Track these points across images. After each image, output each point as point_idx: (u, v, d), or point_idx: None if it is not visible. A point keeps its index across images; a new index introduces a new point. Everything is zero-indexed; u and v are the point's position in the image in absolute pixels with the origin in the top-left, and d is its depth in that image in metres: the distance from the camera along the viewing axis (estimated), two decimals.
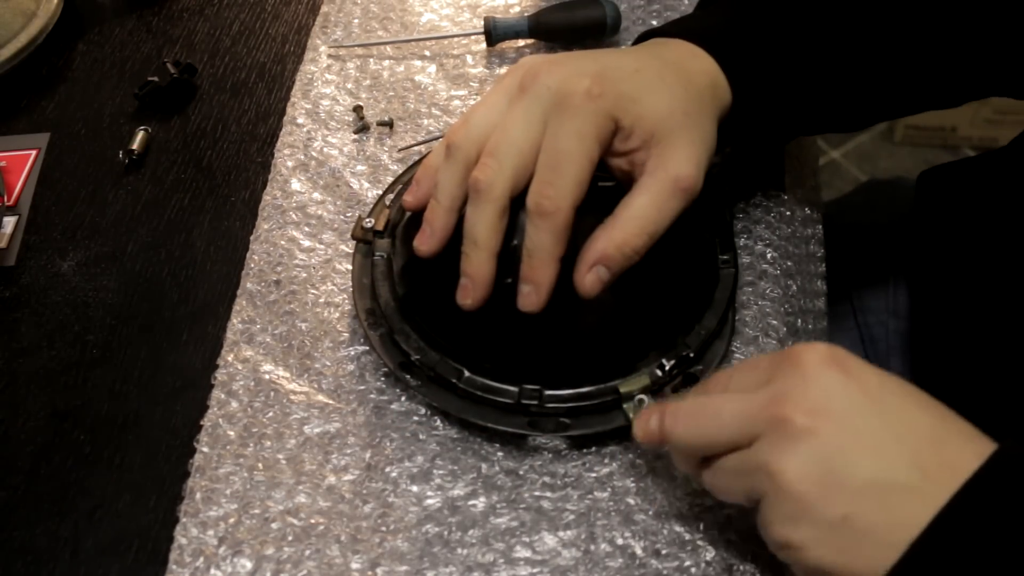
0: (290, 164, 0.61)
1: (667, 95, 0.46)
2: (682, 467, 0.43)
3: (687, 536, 0.45)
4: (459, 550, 0.45)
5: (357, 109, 0.62)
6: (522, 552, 0.45)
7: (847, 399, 0.38)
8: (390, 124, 0.62)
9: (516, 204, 0.45)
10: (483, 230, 0.44)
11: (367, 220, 0.53)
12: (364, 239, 0.53)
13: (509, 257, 0.45)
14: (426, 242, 0.47)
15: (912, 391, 0.39)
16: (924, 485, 0.36)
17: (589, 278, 0.45)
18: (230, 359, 0.52)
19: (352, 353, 0.52)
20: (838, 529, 0.36)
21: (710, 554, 0.45)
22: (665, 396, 0.48)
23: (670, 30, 0.51)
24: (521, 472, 0.48)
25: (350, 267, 0.54)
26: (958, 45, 0.52)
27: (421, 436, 0.49)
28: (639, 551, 0.45)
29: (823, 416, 0.37)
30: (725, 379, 0.42)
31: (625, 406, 0.47)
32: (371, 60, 0.67)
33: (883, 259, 0.75)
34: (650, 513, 0.46)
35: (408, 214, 0.52)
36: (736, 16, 0.51)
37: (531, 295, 0.44)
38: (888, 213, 0.78)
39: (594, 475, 0.47)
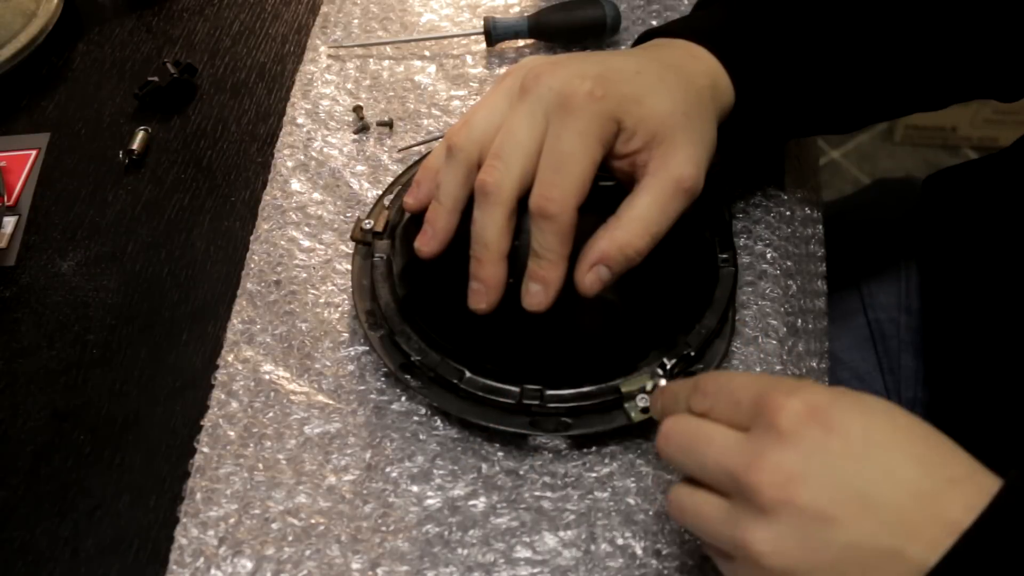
0: (290, 164, 0.61)
1: (668, 97, 0.46)
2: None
3: (687, 536, 0.45)
4: (459, 550, 0.45)
5: (357, 109, 0.62)
6: (522, 552, 0.45)
7: (825, 461, 0.35)
8: (390, 124, 0.62)
9: (519, 205, 0.45)
10: (493, 232, 0.44)
11: (366, 221, 0.53)
12: (363, 240, 0.53)
13: (511, 258, 0.45)
14: (428, 243, 0.47)
15: (904, 435, 0.36)
16: (908, 546, 0.34)
17: (590, 278, 0.45)
18: (230, 359, 0.52)
19: (352, 353, 0.52)
20: None
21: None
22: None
23: (671, 30, 0.51)
24: (521, 472, 0.48)
25: (350, 268, 0.54)
26: (953, 39, 0.53)
27: (421, 436, 0.49)
28: (639, 551, 0.45)
29: (798, 484, 0.35)
30: (712, 395, 0.40)
31: (626, 405, 0.47)
32: (371, 60, 0.67)
33: (894, 255, 0.75)
34: (650, 513, 0.46)
35: (407, 215, 0.52)
36: (737, 15, 0.51)
37: (539, 294, 0.44)
38: (898, 211, 0.78)
39: (594, 475, 0.47)
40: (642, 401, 0.47)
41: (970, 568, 0.33)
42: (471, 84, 0.65)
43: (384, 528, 0.46)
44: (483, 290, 0.45)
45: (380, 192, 0.58)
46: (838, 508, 0.34)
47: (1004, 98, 0.58)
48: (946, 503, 0.34)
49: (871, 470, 0.35)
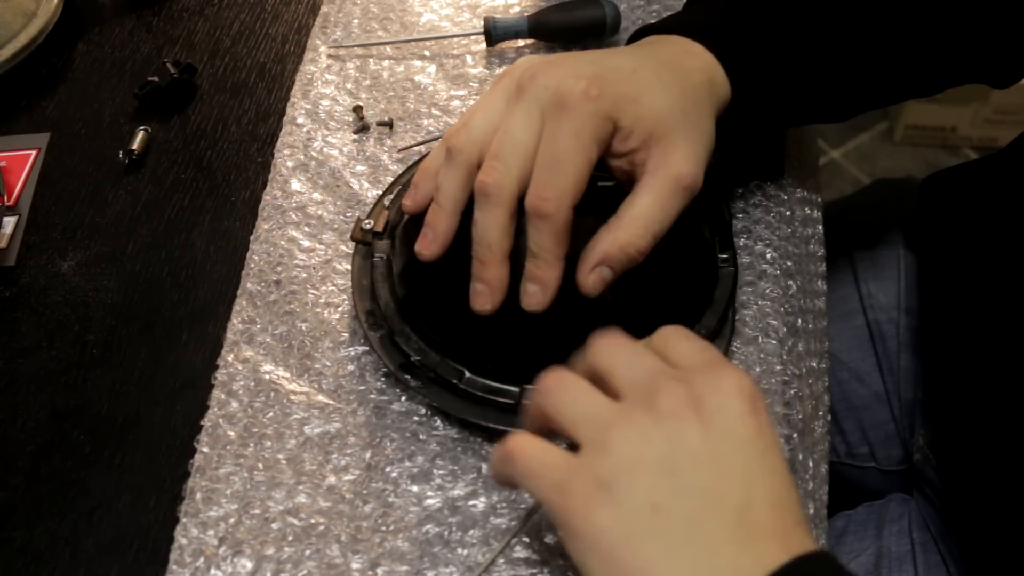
0: (290, 164, 0.61)
1: (664, 94, 0.46)
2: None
3: None
4: (459, 550, 0.45)
5: (357, 109, 0.62)
6: (522, 552, 0.45)
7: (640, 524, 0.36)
8: (390, 124, 0.62)
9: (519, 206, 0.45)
10: (495, 233, 0.44)
11: (366, 222, 0.53)
12: (363, 240, 0.53)
13: (511, 258, 0.45)
14: (428, 246, 0.47)
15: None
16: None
17: (592, 278, 0.45)
18: (230, 359, 0.52)
19: (352, 353, 0.52)
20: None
21: None
22: None
23: (665, 26, 0.51)
24: None
25: (350, 268, 0.54)
26: (945, 24, 0.53)
27: (421, 436, 0.49)
28: None
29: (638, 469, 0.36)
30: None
31: None
32: (371, 60, 0.67)
33: (893, 256, 0.75)
34: None
35: (407, 215, 0.52)
36: (731, 10, 0.51)
37: (537, 294, 0.44)
38: (898, 211, 0.78)
39: None
40: None
41: None
42: (471, 84, 0.65)
43: (384, 528, 0.46)
44: (486, 291, 0.45)
45: (380, 192, 0.58)
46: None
47: (997, 83, 0.59)
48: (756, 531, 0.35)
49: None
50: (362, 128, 0.62)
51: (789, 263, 0.56)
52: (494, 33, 0.66)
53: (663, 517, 0.35)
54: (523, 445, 0.39)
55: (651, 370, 0.39)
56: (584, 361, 0.41)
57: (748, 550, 0.35)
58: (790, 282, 0.55)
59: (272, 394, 0.51)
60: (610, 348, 0.41)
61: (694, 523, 0.35)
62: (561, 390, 0.40)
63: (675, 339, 0.41)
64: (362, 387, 0.51)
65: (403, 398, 0.50)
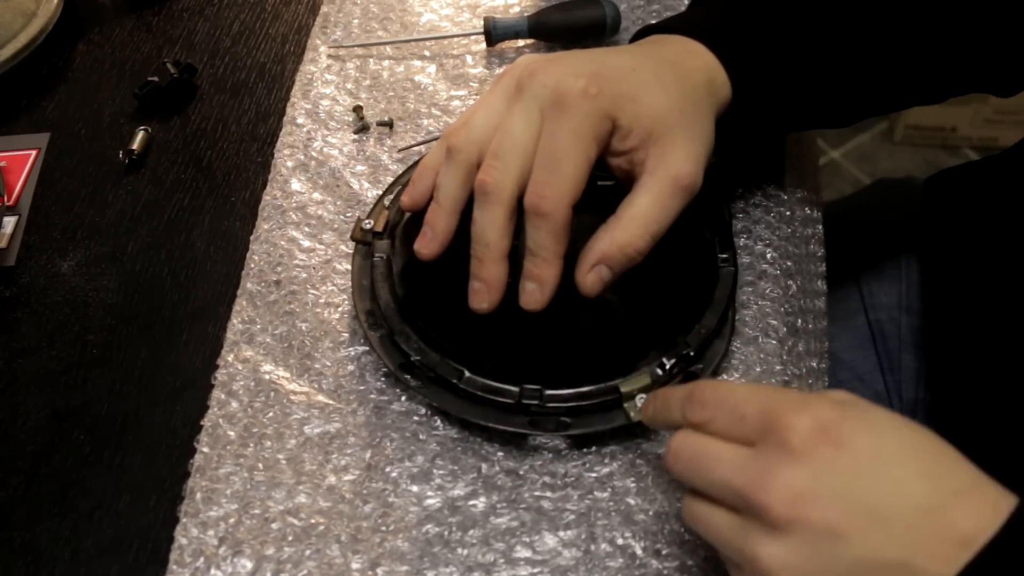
0: (290, 164, 0.61)
1: (664, 93, 0.46)
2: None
3: (687, 536, 0.45)
4: (459, 550, 0.45)
5: (357, 109, 0.62)
6: (522, 552, 0.45)
7: (835, 480, 0.35)
8: (390, 124, 0.62)
9: (518, 205, 0.45)
10: (494, 232, 0.44)
11: (366, 221, 0.53)
12: (363, 240, 0.53)
13: (510, 257, 0.45)
14: (428, 245, 0.47)
15: (911, 449, 0.36)
16: (916, 559, 0.34)
17: (591, 277, 0.45)
18: (230, 359, 0.52)
19: (352, 353, 0.52)
20: None
21: (710, 554, 0.45)
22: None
23: (667, 26, 0.51)
24: (521, 472, 0.48)
25: (350, 268, 0.54)
26: (949, 33, 0.53)
27: (421, 436, 0.49)
28: (639, 551, 0.45)
29: (808, 502, 0.35)
30: (712, 406, 0.39)
31: (626, 405, 0.47)
32: (371, 60, 0.67)
33: (894, 255, 0.75)
34: (650, 513, 0.46)
35: (407, 215, 0.52)
36: (733, 11, 0.51)
37: (535, 293, 0.44)
38: (899, 211, 0.78)
39: (594, 475, 0.47)
40: (641, 401, 0.47)
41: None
42: (471, 84, 0.65)
43: (384, 528, 0.46)
44: (484, 290, 0.45)
45: (380, 192, 0.58)
46: (847, 524, 0.35)
47: (1000, 92, 0.59)
48: (953, 516, 0.34)
49: (880, 486, 0.35)
50: (362, 128, 0.62)
51: (789, 263, 0.56)
52: (494, 33, 0.66)
53: (846, 540, 0.35)
54: (693, 513, 0.39)
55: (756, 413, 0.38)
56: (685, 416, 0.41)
57: (956, 515, 0.34)
58: (790, 282, 0.55)
59: (272, 394, 0.51)
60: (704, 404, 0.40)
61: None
62: (692, 459, 0.39)
63: (724, 391, 0.40)
64: (362, 387, 0.51)
65: (403, 398, 0.50)
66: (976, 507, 0.35)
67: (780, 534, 0.35)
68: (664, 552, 0.45)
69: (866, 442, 0.36)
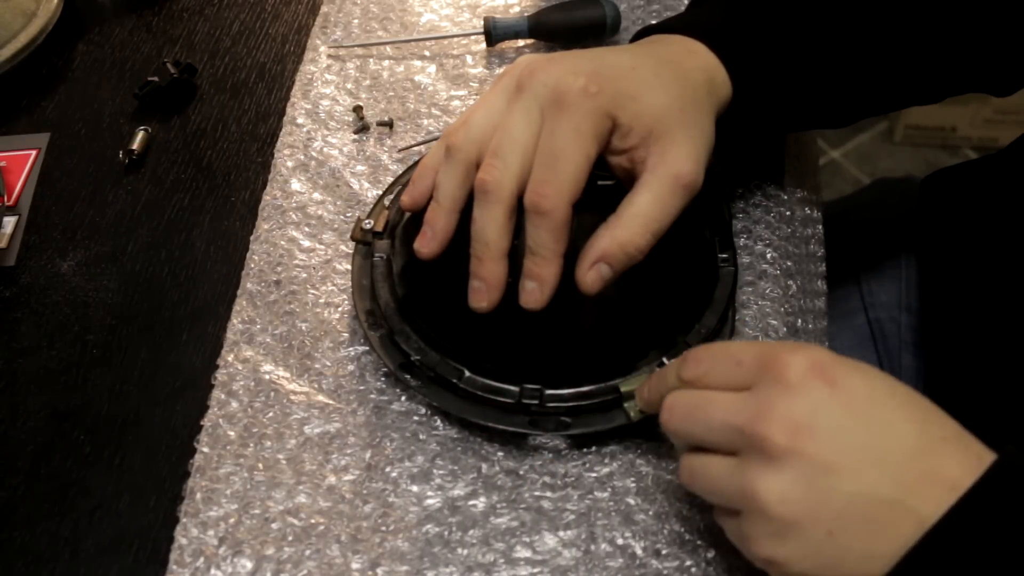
0: (290, 164, 0.61)
1: (663, 92, 0.46)
2: (677, 446, 0.44)
3: (687, 536, 0.45)
4: (459, 550, 0.45)
5: (357, 109, 0.62)
6: (522, 552, 0.45)
7: (831, 415, 0.37)
8: (390, 124, 0.62)
9: (518, 204, 0.45)
10: (493, 231, 0.44)
11: (366, 221, 0.53)
12: (363, 240, 0.53)
13: (510, 257, 0.45)
14: (427, 244, 0.47)
15: (901, 397, 0.38)
16: (907, 498, 0.35)
17: (591, 276, 0.45)
18: (230, 359, 0.52)
19: (352, 353, 0.52)
20: (822, 545, 0.36)
21: (710, 554, 0.45)
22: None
23: (668, 26, 0.51)
24: (521, 472, 0.48)
25: (350, 268, 0.54)
26: (948, 32, 0.53)
27: (421, 436, 0.49)
28: (639, 551, 0.45)
29: (805, 435, 0.36)
30: (708, 360, 0.41)
31: (626, 405, 0.47)
32: (371, 60, 0.67)
33: (894, 255, 0.75)
34: (650, 513, 0.46)
35: (407, 215, 0.52)
36: (734, 10, 0.51)
37: (535, 291, 0.44)
38: (899, 211, 0.78)
39: (594, 475, 0.47)
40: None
41: (971, 527, 0.35)
42: (471, 84, 0.65)
43: (384, 528, 0.46)
44: (484, 289, 0.45)
45: (380, 192, 0.58)
46: (843, 458, 0.36)
47: (998, 92, 0.59)
48: (940, 460, 0.36)
49: (872, 425, 0.37)
50: (362, 128, 0.62)
51: (789, 263, 0.56)
52: (494, 33, 0.66)
53: (842, 475, 0.36)
54: (690, 468, 0.41)
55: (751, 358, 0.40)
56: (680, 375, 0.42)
57: (944, 456, 0.36)
58: (790, 282, 0.55)
59: (272, 394, 0.51)
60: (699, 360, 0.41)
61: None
62: (688, 410, 0.40)
63: (719, 347, 0.42)
64: (362, 387, 0.51)
65: (403, 398, 0.50)
66: (962, 454, 0.37)
67: (779, 465, 0.36)
68: (664, 552, 0.45)
69: (859, 384, 0.38)
